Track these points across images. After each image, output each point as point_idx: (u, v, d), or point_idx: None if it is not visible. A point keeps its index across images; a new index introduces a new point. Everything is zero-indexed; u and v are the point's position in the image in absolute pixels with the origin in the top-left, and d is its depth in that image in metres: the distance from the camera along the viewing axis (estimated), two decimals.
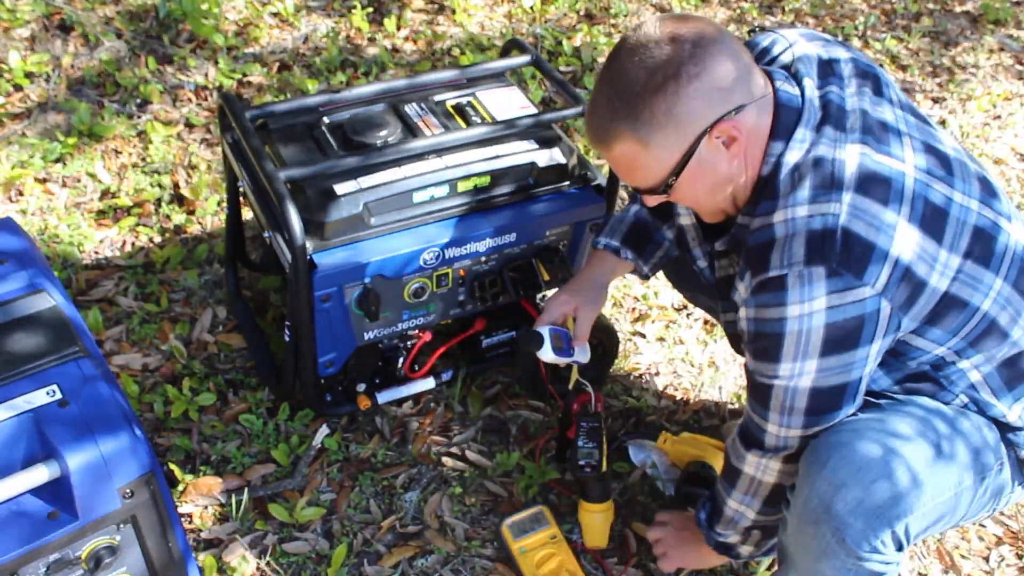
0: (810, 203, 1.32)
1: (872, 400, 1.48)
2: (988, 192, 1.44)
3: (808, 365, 1.35)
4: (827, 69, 1.43)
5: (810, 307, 1.31)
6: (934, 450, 1.41)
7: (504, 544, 1.86)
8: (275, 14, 3.37)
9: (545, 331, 1.75)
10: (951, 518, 1.48)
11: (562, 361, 1.79)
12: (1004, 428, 1.49)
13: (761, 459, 1.51)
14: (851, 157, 1.33)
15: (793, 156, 1.34)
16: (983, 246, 1.39)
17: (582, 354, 1.83)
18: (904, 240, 1.31)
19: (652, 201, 1.46)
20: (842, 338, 1.33)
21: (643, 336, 2.37)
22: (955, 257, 1.36)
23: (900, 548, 1.42)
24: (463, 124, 1.99)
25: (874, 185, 1.32)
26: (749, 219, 1.41)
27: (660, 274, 2.11)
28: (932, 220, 1.34)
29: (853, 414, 1.44)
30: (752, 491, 1.56)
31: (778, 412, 1.43)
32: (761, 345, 1.39)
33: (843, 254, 1.28)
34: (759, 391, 1.44)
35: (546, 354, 1.75)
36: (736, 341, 1.66)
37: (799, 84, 1.39)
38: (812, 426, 1.43)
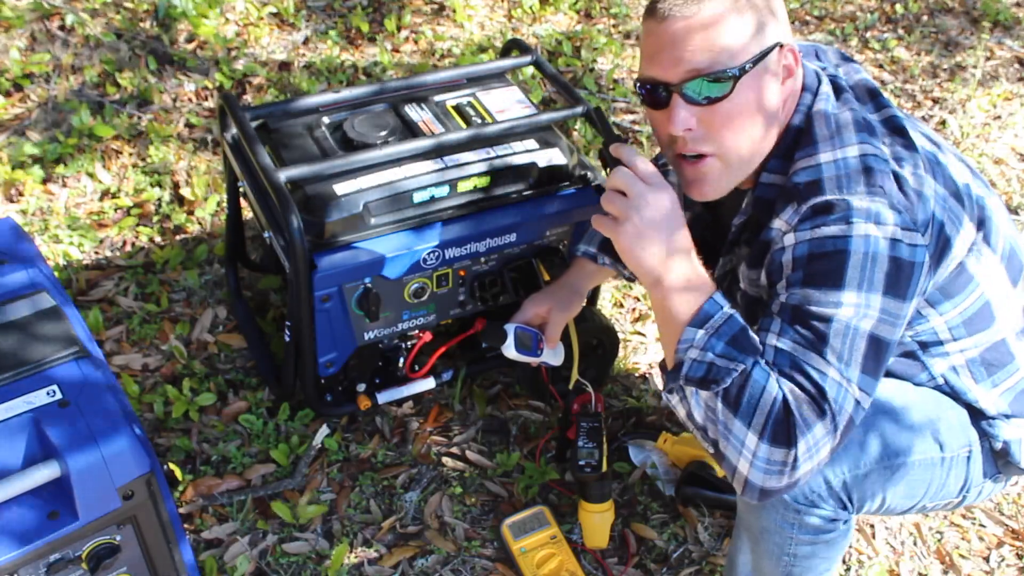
0: (859, 144, 1.29)
1: None
2: (971, 170, 1.46)
3: (873, 300, 1.22)
4: (815, 54, 1.49)
5: (877, 229, 1.22)
6: (883, 414, 1.41)
7: (504, 544, 1.87)
8: (275, 14, 3.37)
9: (510, 328, 1.76)
10: (908, 491, 1.46)
11: (526, 360, 1.80)
12: (978, 415, 1.48)
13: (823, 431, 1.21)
14: (876, 116, 1.35)
15: (821, 106, 1.34)
16: (987, 223, 1.40)
17: (552, 356, 1.84)
18: (937, 198, 1.30)
19: (682, 121, 1.28)
20: (902, 280, 1.24)
21: (643, 336, 2.37)
22: (972, 228, 1.36)
23: (844, 508, 1.41)
24: (463, 124, 1.98)
25: (904, 142, 1.32)
26: (776, 176, 1.36)
27: None
28: (949, 187, 1.35)
29: None
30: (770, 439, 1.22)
31: (836, 354, 1.22)
32: (820, 268, 1.23)
33: (901, 195, 1.26)
34: (811, 322, 1.22)
35: (508, 351, 1.75)
36: (752, 307, 1.45)
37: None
38: (863, 388, 1.23)
